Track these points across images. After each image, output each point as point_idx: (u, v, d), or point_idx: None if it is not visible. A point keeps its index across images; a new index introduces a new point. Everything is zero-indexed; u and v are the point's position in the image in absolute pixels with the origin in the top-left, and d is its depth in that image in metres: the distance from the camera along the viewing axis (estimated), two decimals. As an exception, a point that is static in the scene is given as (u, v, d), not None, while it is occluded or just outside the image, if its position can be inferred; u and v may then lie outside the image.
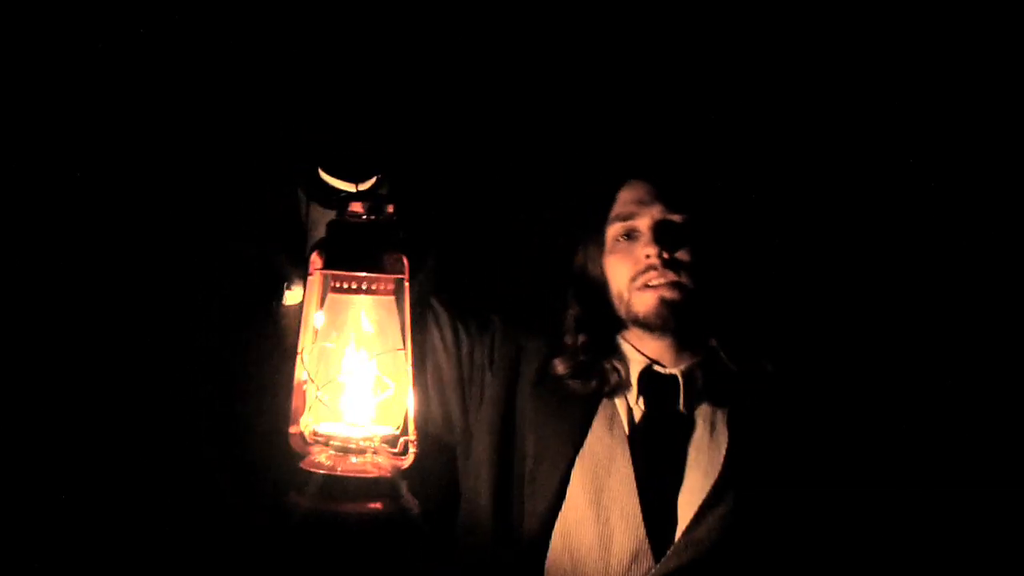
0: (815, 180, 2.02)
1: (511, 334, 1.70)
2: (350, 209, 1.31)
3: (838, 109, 2.03)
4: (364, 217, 1.30)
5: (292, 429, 1.35)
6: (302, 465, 1.32)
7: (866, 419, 1.71)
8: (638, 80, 2.07)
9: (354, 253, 1.30)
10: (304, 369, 1.35)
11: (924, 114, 2.00)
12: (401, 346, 1.34)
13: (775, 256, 1.84)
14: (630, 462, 1.57)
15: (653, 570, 1.51)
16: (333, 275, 1.32)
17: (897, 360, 1.94)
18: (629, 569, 1.52)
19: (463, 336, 1.68)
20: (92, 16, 1.79)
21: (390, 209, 1.31)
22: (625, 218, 1.63)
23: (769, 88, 2.04)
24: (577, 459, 1.58)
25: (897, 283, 1.99)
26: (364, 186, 1.51)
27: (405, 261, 1.30)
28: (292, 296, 1.57)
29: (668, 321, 1.57)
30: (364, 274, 1.30)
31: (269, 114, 1.71)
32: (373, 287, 1.31)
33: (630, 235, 1.62)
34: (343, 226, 1.31)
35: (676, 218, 1.59)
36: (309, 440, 1.35)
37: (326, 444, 1.33)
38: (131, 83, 1.79)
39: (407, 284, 1.30)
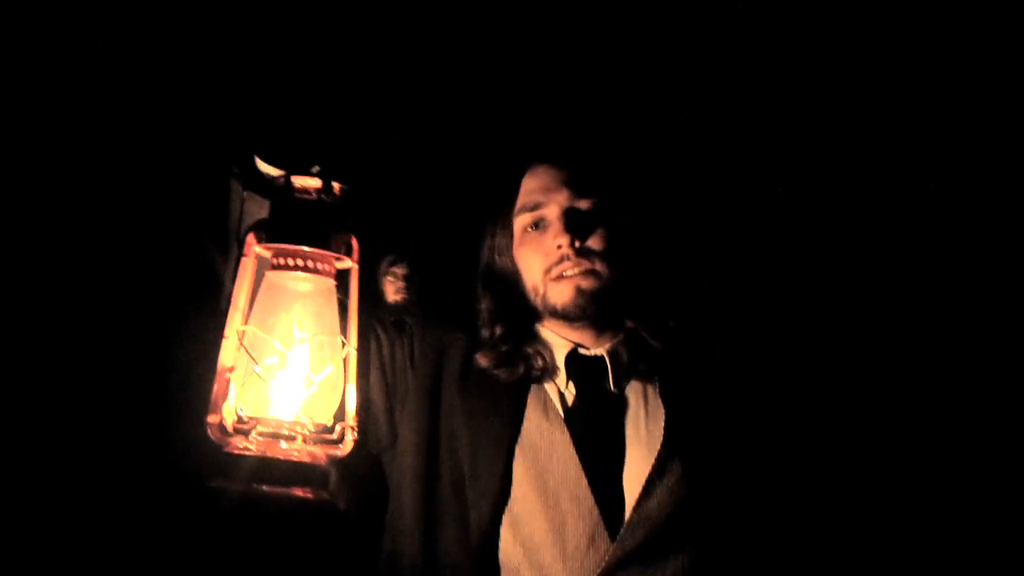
0: (717, 150, 2.10)
1: (430, 333, 1.66)
2: (296, 185, 1.28)
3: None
4: (311, 195, 1.27)
5: (211, 418, 1.28)
6: (227, 450, 1.25)
7: (793, 381, 1.74)
8: (537, 63, 2.07)
9: (298, 229, 1.27)
10: (229, 354, 1.29)
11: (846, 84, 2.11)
12: (339, 332, 1.30)
13: (687, 230, 1.85)
14: (571, 444, 1.53)
15: (611, 550, 1.47)
16: (274, 251, 1.28)
17: (813, 323, 2.02)
18: (587, 552, 1.47)
19: (383, 339, 1.63)
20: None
21: (337, 189, 1.29)
22: (532, 208, 1.59)
23: (664, 62, 2.09)
24: (516, 448, 1.53)
25: (809, 255, 2.09)
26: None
27: (355, 243, 1.27)
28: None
29: (587, 310, 1.55)
30: (307, 249, 1.26)
31: (203, 101, 1.66)
32: (315, 265, 1.28)
33: (539, 224, 1.59)
34: (288, 202, 1.28)
35: (584, 204, 1.57)
36: (230, 429, 1.29)
37: (249, 432, 1.28)
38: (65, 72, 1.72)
39: (355, 267, 1.27)
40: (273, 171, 1.48)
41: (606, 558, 1.47)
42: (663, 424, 1.55)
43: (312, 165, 1.48)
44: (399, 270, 2.01)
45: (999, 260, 2.09)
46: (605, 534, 1.48)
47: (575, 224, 1.55)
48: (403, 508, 1.56)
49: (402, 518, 1.56)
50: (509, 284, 1.64)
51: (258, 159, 1.49)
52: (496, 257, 1.66)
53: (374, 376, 1.60)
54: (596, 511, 1.49)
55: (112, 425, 1.68)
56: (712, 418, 1.57)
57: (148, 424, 1.66)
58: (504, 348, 1.60)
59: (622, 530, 1.48)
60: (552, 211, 1.57)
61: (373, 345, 1.61)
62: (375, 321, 1.64)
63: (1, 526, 1.62)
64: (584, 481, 1.51)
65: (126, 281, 1.73)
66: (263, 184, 1.47)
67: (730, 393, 1.61)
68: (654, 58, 2.09)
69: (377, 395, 1.60)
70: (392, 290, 1.99)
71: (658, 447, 1.52)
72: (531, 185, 1.62)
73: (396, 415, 1.61)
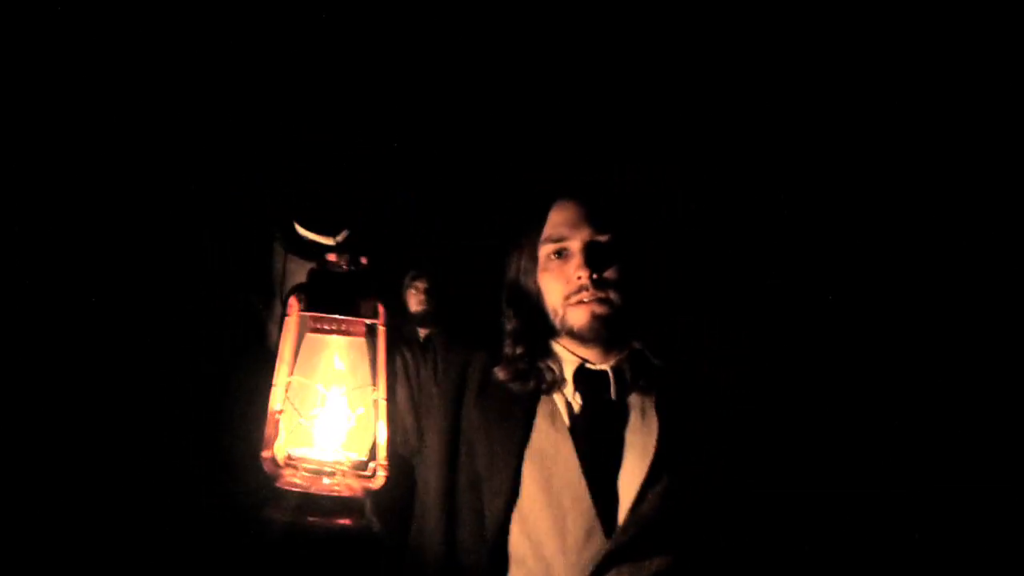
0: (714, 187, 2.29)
1: (455, 350, 1.85)
2: (329, 259, 1.49)
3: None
4: (342, 267, 1.48)
5: (264, 454, 1.51)
6: (278, 484, 1.48)
7: (783, 400, 1.92)
8: (565, 106, 2.27)
9: (333, 298, 1.48)
10: (278, 399, 1.52)
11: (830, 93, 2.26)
12: (370, 382, 1.52)
13: (690, 262, 2.05)
14: (574, 450, 1.72)
15: (606, 546, 1.66)
16: (312, 317, 1.50)
17: (805, 345, 2.22)
18: (584, 546, 1.66)
19: (408, 359, 1.82)
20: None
21: (364, 261, 1.50)
22: (557, 239, 1.77)
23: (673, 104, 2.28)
24: (526, 454, 1.73)
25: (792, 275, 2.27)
26: (336, 239, 1.69)
27: (381, 308, 1.48)
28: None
29: (599, 333, 1.74)
30: (341, 317, 1.48)
31: (248, 171, 1.89)
32: (348, 329, 1.49)
33: (561, 254, 1.76)
34: (323, 274, 1.49)
35: (603, 239, 1.75)
36: (281, 464, 1.52)
37: (297, 468, 1.50)
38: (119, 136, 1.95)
39: (382, 328, 1.48)
40: (309, 235, 1.71)
41: (601, 552, 1.66)
42: (656, 435, 1.72)
43: (341, 230, 1.70)
44: (420, 284, 2.25)
45: (1000, 261, 2.23)
46: (600, 531, 1.66)
47: (594, 257, 1.73)
48: (428, 505, 1.77)
49: (427, 513, 1.77)
50: (531, 303, 1.82)
51: (297, 225, 1.72)
52: (521, 278, 1.83)
53: (402, 393, 1.79)
54: (593, 510, 1.67)
55: (176, 463, 1.94)
56: (703, 432, 1.74)
57: (207, 460, 1.91)
58: (521, 365, 1.79)
59: (617, 529, 1.66)
60: (575, 244, 1.75)
61: (399, 364, 1.80)
62: (401, 342, 1.83)
63: (74, 556, 1.90)
64: (583, 483, 1.69)
65: (188, 331, 1.97)
66: (301, 246, 1.70)
67: (721, 410, 1.78)
68: (668, 105, 2.27)
69: (405, 408, 1.79)
70: (415, 302, 2.23)
71: (651, 456, 1.70)
72: (557, 218, 1.79)
73: (422, 424, 1.81)
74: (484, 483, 1.74)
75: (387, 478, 1.50)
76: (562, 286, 1.76)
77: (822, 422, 2.08)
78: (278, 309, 1.58)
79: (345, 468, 1.50)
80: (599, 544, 1.66)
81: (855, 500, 2.11)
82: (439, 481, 1.76)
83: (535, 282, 1.81)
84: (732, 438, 1.78)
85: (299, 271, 1.63)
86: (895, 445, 2.17)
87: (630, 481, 1.70)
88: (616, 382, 1.78)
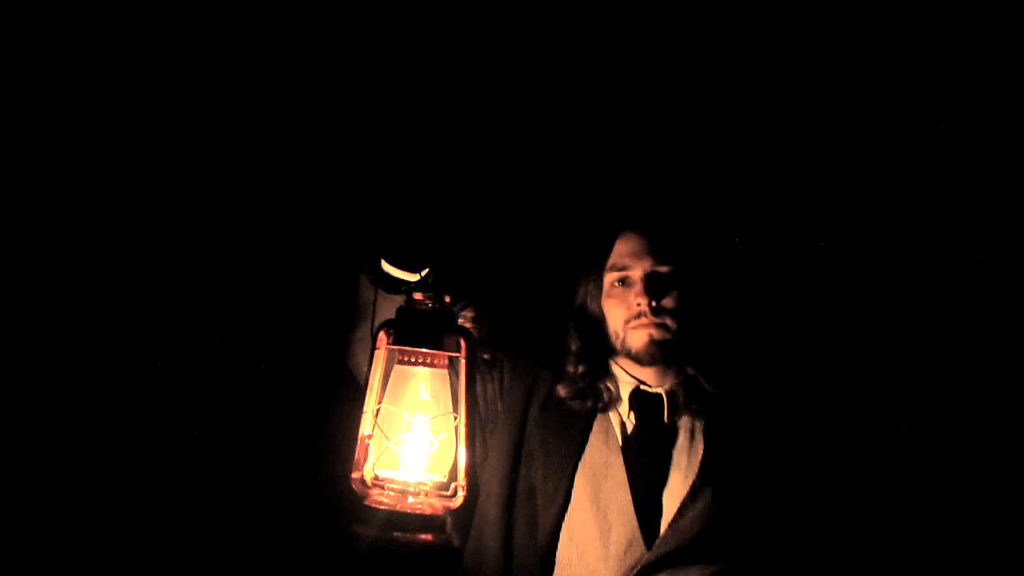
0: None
1: (521, 368, 2.02)
2: (415, 298, 1.63)
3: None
4: (427, 305, 1.63)
5: (354, 475, 1.65)
6: (366, 502, 1.62)
7: (821, 427, 2.06)
8: (628, 145, 2.41)
9: (418, 333, 1.63)
10: (367, 425, 1.67)
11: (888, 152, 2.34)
12: (451, 410, 1.65)
13: (744, 295, 2.17)
14: (623, 467, 1.88)
15: (645, 556, 1.81)
16: (400, 350, 1.64)
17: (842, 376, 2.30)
18: (624, 555, 1.81)
19: (476, 377, 1.99)
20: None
21: (447, 299, 1.64)
22: (621, 268, 1.94)
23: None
24: (579, 467, 1.89)
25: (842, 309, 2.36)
26: (419, 276, 1.83)
27: (462, 342, 1.61)
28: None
29: (656, 356, 1.90)
30: (426, 350, 1.62)
31: (343, 215, 2.07)
32: (432, 361, 1.63)
33: (624, 282, 1.93)
34: (410, 311, 1.64)
35: (663, 269, 1.91)
36: (369, 484, 1.66)
37: (384, 488, 1.65)
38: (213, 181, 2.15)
39: (463, 361, 1.62)
40: (395, 271, 1.86)
41: (640, 562, 1.81)
42: (700, 457, 1.87)
43: (424, 267, 1.85)
44: (468, 313, 2.37)
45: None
46: (641, 543, 1.82)
47: (654, 287, 1.90)
48: (488, 511, 1.92)
49: (486, 519, 1.92)
50: (595, 325, 1.98)
51: (384, 262, 1.87)
52: (587, 302, 2.00)
53: None
54: (636, 523, 1.83)
55: (274, 484, 2.12)
56: (745, 457, 1.88)
57: (302, 480, 2.09)
58: (581, 384, 1.95)
59: (657, 540, 1.81)
60: (636, 273, 1.92)
61: None
62: None
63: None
64: (629, 498, 1.85)
65: (283, 359, 2.15)
66: (387, 281, 1.85)
67: (766, 437, 1.92)
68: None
69: None
70: None
71: (694, 476, 1.85)
72: (622, 249, 1.96)
73: (488, 438, 1.97)
74: (539, 493, 1.89)
75: (466, 498, 1.63)
76: (624, 311, 1.92)
77: (862, 452, 2.18)
78: (368, 342, 1.73)
79: (428, 488, 1.64)
80: (639, 554, 1.81)
81: (895, 528, 2.19)
82: (501, 489, 1.92)
83: (599, 306, 1.97)
84: (774, 464, 1.91)
85: (386, 303, 1.78)
86: (944, 479, 2.24)
87: (672, 497, 1.84)
88: (669, 405, 1.92)
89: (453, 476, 1.65)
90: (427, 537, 1.59)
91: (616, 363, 1.98)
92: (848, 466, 2.10)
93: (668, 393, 1.93)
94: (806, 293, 2.35)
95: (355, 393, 1.70)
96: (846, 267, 2.35)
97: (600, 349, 1.98)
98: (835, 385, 2.26)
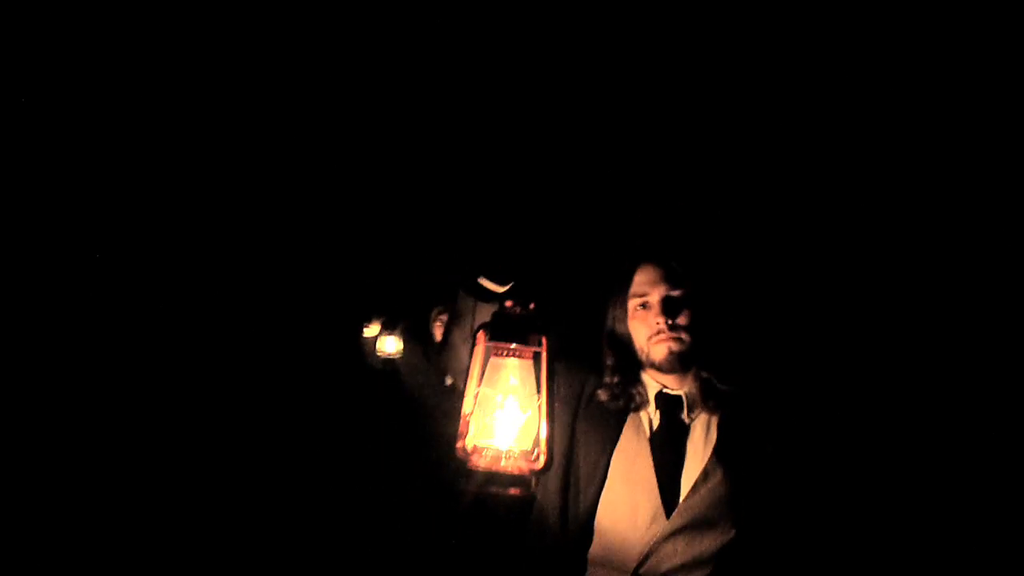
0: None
1: (574, 375, 2.45)
2: (507, 305, 2.08)
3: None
4: (516, 310, 2.07)
5: (458, 444, 2.10)
6: (468, 465, 2.06)
7: (819, 416, 2.43)
8: (645, 187, 2.87)
9: (509, 332, 2.07)
10: (469, 405, 2.11)
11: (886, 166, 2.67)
12: (535, 392, 2.09)
13: (747, 305, 2.56)
14: (650, 455, 2.31)
15: (665, 526, 2.23)
16: (494, 345, 2.09)
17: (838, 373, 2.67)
18: (650, 526, 2.25)
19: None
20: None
21: (532, 306, 2.08)
22: (641, 295, 2.38)
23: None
24: (614, 455, 2.34)
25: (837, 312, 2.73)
26: (506, 287, 2.31)
27: (544, 340, 2.06)
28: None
29: (675, 365, 2.33)
30: (515, 346, 2.07)
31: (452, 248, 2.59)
32: (520, 354, 2.08)
33: (645, 306, 2.37)
34: (502, 315, 2.08)
35: (676, 293, 2.34)
36: (470, 451, 2.10)
37: (482, 454, 2.09)
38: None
39: (544, 354, 2.06)
40: (490, 285, 2.33)
41: (662, 529, 2.23)
42: (712, 446, 2.29)
43: (511, 281, 2.31)
44: (444, 316, 2.93)
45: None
46: (663, 515, 2.25)
47: (669, 309, 2.34)
48: (548, 488, 2.36)
49: (547, 495, 2.35)
50: (624, 344, 2.43)
51: (481, 278, 2.35)
52: (616, 325, 2.45)
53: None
54: (659, 499, 2.26)
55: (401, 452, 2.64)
56: (750, 444, 2.28)
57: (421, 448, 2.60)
58: (616, 390, 2.40)
59: (673, 514, 2.24)
60: (654, 298, 2.36)
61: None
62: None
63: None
64: (654, 480, 2.28)
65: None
66: (484, 294, 2.31)
67: (770, 425, 2.31)
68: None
69: None
70: (439, 333, 2.94)
71: (705, 462, 2.27)
72: (641, 279, 2.41)
73: None
74: (581, 474, 2.33)
75: (547, 461, 2.06)
76: (646, 330, 2.36)
77: (856, 441, 2.55)
78: (469, 341, 2.19)
79: (516, 454, 2.07)
80: (661, 523, 2.25)
81: (888, 508, 2.55)
82: (557, 470, 2.34)
83: (626, 327, 2.41)
84: (776, 448, 2.30)
85: (483, 310, 2.25)
86: (951, 481, 2.57)
87: (687, 480, 2.27)
88: (688, 404, 2.35)
89: (536, 444, 2.08)
90: (516, 492, 2.02)
91: (644, 373, 2.41)
92: (843, 451, 2.47)
93: (687, 394, 2.35)
94: (804, 300, 2.74)
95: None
96: (841, 277, 2.72)
97: (630, 362, 2.42)
98: (831, 380, 2.64)
